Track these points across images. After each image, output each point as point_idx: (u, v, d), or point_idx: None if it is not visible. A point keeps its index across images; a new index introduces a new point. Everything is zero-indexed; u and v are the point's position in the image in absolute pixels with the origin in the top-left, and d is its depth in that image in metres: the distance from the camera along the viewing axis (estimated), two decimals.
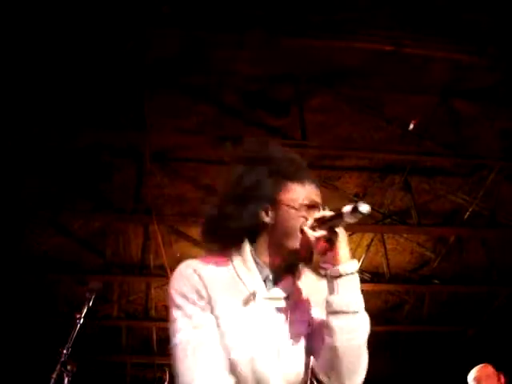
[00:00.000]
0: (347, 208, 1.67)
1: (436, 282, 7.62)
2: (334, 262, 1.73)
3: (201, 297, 1.74)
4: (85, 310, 3.39)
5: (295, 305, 1.82)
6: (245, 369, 1.69)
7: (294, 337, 1.78)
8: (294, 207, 1.78)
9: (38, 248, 6.94)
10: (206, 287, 1.74)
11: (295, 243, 1.77)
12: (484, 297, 7.89)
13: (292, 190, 1.80)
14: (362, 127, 5.93)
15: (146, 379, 9.06)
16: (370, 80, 5.53)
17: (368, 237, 7.10)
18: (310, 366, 1.81)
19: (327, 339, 1.72)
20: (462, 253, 7.45)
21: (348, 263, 1.73)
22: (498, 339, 8.00)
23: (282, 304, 1.79)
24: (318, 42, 4.94)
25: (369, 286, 7.50)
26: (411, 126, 5.87)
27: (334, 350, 1.70)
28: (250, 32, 4.68)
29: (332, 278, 1.73)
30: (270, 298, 1.78)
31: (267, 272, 1.81)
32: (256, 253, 1.82)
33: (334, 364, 1.72)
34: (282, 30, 4.78)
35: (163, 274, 6.89)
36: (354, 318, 1.71)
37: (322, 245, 1.75)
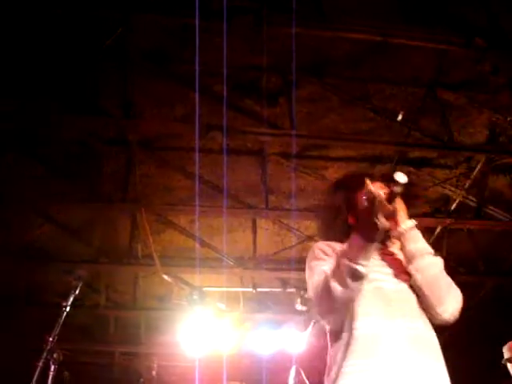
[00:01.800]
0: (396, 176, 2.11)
1: None
2: (398, 225, 2.26)
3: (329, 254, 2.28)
4: (71, 299, 3.40)
5: (395, 262, 2.33)
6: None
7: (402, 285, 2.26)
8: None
9: (26, 237, 6.92)
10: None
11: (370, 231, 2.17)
12: (470, 287, 7.95)
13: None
14: (349, 117, 5.94)
15: (133, 368, 9.08)
16: (358, 70, 5.55)
17: None
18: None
19: (414, 282, 2.23)
20: (449, 243, 7.49)
21: (405, 223, 2.28)
22: (482, 330, 8.07)
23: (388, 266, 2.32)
24: (306, 32, 4.93)
25: None
26: (400, 117, 5.89)
27: (418, 287, 2.22)
28: (239, 21, 4.67)
29: (400, 237, 2.28)
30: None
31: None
32: None
33: (423, 299, 2.22)
34: (270, 20, 4.77)
35: (151, 263, 6.90)
36: (421, 259, 2.23)
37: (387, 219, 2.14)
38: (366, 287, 2.16)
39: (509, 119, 5.97)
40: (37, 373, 3.09)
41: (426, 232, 7.34)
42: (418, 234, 2.31)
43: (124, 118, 5.40)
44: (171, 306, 7.84)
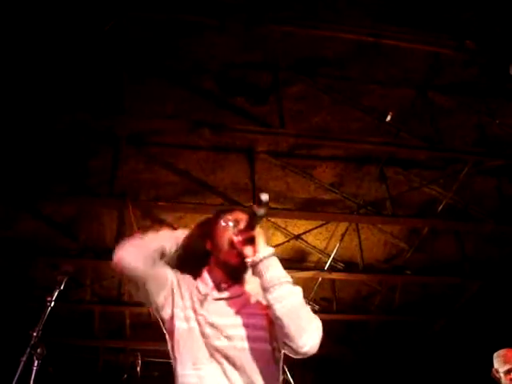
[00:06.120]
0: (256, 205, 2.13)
1: (408, 272, 7.69)
2: (254, 253, 2.18)
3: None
4: (56, 294, 3.36)
5: (245, 302, 2.29)
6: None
7: (247, 327, 2.23)
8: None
9: (11, 232, 6.86)
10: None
11: (226, 255, 2.30)
12: (455, 289, 7.99)
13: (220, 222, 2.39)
14: (339, 117, 5.94)
15: (118, 364, 9.05)
16: (348, 70, 5.55)
17: (343, 226, 7.13)
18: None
19: (271, 313, 2.14)
20: (435, 245, 7.52)
21: (264, 250, 2.18)
22: (466, 332, 8.12)
23: (233, 302, 2.29)
24: (299, 31, 4.93)
25: (343, 276, 7.55)
26: (389, 118, 5.90)
27: (277, 319, 2.10)
28: (231, 18, 4.66)
29: (256, 265, 2.16)
30: (220, 299, 2.30)
31: (218, 281, 2.35)
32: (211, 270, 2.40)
33: (283, 331, 2.11)
34: (262, 17, 4.76)
35: None
36: (280, 288, 2.11)
37: (243, 245, 2.21)
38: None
39: (498, 122, 6.00)
40: (20, 368, 3.06)
41: (413, 233, 7.39)
42: (275, 262, 2.18)
43: (113, 114, 5.36)
44: None
